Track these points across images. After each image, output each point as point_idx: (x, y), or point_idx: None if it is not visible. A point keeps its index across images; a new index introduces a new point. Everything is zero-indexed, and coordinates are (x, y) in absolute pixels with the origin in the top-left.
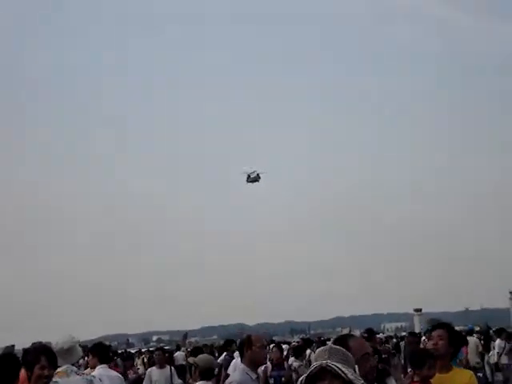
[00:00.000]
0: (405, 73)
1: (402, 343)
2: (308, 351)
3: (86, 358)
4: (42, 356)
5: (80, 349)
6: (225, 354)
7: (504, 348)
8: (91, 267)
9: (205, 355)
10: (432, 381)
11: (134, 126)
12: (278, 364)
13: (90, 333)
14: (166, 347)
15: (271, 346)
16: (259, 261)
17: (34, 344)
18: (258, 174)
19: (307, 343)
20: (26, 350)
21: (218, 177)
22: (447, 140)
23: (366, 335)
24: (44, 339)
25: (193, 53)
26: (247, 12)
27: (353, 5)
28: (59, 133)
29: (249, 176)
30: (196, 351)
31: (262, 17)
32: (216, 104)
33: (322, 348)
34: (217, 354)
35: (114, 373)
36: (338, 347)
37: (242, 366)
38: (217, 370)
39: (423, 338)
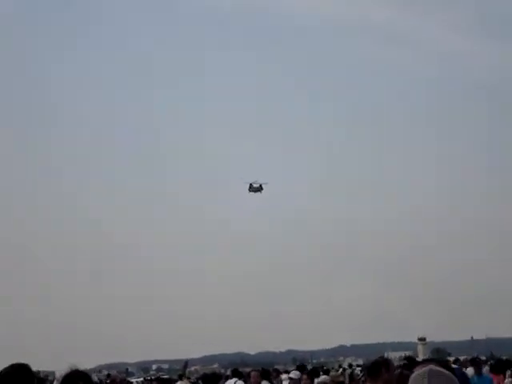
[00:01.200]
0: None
1: None
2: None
3: None
4: (80, 382)
5: None
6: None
7: None
8: (89, 293)
9: None
10: None
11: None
12: None
13: (89, 361)
14: (165, 376)
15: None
16: (259, 289)
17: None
18: (260, 185)
19: (313, 374)
20: (65, 376)
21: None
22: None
23: (406, 362)
24: (41, 367)
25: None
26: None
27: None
28: None
29: (251, 185)
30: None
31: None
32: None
33: (418, 372)
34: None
35: None
36: (439, 369)
37: None
38: None
39: None
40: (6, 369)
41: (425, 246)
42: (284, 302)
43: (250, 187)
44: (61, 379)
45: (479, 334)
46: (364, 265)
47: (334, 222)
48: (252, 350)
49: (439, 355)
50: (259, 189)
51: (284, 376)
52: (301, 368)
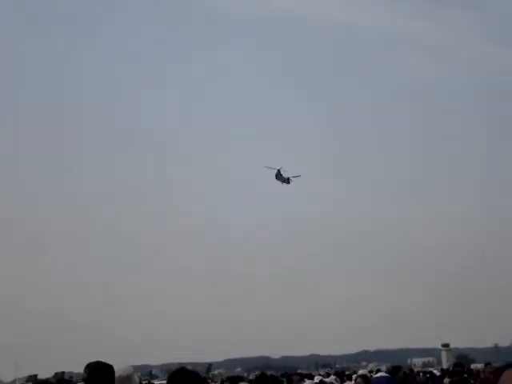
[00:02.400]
0: None
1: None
2: None
3: None
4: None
5: (137, 378)
6: None
7: None
8: (113, 296)
9: None
10: None
11: None
12: None
13: (113, 364)
14: None
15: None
16: (283, 294)
17: (56, 374)
18: (288, 178)
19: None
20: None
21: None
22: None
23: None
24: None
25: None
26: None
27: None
28: None
29: (279, 172)
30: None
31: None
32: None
33: None
34: None
35: None
36: None
37: None
38: None
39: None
40: (93, 365)
41: (450, 250)
42: (306, 306)
43: (277, 175)
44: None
45: (503, 341)
46: (389, 269)
47: (348, 222)
48: (275, 353)
49: (463, 361)
50: (287, 180)
51: (309, 382)
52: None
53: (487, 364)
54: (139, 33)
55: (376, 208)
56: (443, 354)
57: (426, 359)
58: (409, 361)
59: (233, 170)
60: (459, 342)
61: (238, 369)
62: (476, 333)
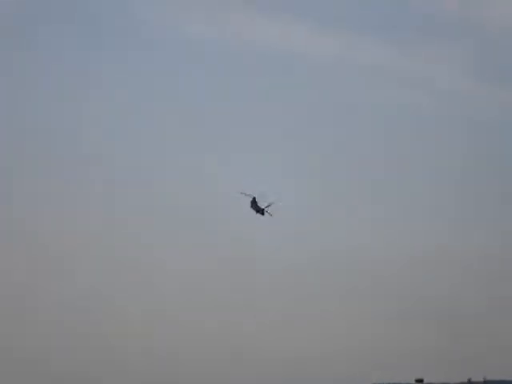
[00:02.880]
0: None
1: None
2: None
3: None
4: None
5: None
6: None
7: None
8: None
9: None
10: None
11: None
12: None
13: None
14: None
15: None
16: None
17: None
18: (263, 209)
19: None
20: None
21: None
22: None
23: None
24: None
25: None
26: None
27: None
28: None
29: (254, 200)
30: None
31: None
32: None
33: None
34: None
35: None
36: None
37: None
38: None
39: None
40: None
41: (422, 282)
42: (274, 341)
43: (252, 203)
44: None
45: (477, 376)
46: (354, 303)
47: (323, 248)
48: None
49: None
50: (261, 211)
51: None
52: None
53: None
54: None
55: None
56: None
57: None
58: None
59: None
60: (433, 377)
61: None
62: (450, 367)
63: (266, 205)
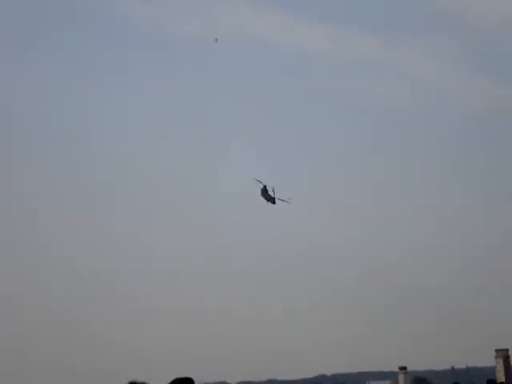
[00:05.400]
0: None
1: None
2: None
3: None
4: None
5: None
6: None
7: None
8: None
9: None
10: None
11: None
12: None
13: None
14: None
15: None
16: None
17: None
18: (274, 198)
19: None
20: None
21: None
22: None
23: None
24: None
25: None
26: None
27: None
28: None
29: (265, 189)
30: None
31: None
32: None
33: None
34: None
35: None
36: None
37: None
38: None
39: None
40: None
41: (405, 274)
42: (264, 331)
43: (263, 190)
44: None
45: (459, 364)
46: (342, 293)
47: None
48: (234, 379)
49: None
50: (272, 200)
51: None
52: None
53: None
54: None
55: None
56: (400, 377)
57: (383, 382)
58: None
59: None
60: (417, 365)
61: None
62: (433, 355)
63: (283, 198)
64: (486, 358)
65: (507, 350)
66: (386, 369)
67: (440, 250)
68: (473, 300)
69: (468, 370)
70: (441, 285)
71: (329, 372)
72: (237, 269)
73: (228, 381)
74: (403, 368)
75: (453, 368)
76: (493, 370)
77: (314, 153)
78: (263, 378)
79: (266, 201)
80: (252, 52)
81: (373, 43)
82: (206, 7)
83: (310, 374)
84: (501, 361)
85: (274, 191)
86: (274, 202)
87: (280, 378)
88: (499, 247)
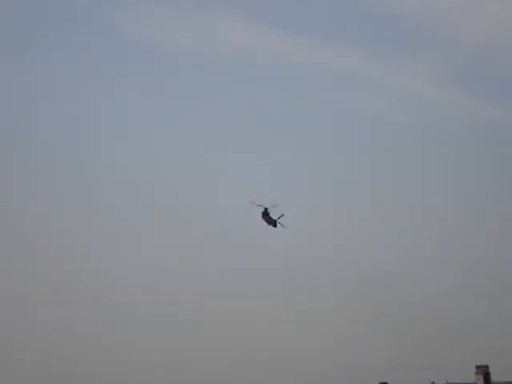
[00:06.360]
0: None
1: None
2: None
3: None
4: None
5: None
6: None
7: None
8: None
9: None
10: None
11: None
12: None
13: None
14: None
15: None
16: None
17: None
18: (275, 221)
19: None
20: None
21: None
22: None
23: None
24: None
25: None
26: None
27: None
28: None
29: (266, 211)
30: None
31: None
32: None
33: None
34: None
35: None
36: None
37: None
38: None
39: None
40: None
41: (385, 284)
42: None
43: (264, 213)
44: None
45: (440, 379)
46: (322, 306)
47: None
48: None
49: None
50: (273, 223)
51: None
52: None
53: None
54: None
55: None
56: None
57: None
58: None
59: None
60: (397, 381)
61: None
62: (414, 371)
63: (278, 216)
64: (466, 375)
65: (487, 366)
66: None
67: (429, 263)
68: (455, 315)
69: None
70: (422, 299)
71: None
72: (231, 269)
73: None
74: (383, 383)
75: (433, 383)
76: None
77: (314, 153)
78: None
79: (267, 224)
80: (248, 63)
81: (358, 58)
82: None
83: None
84: (481, 377)
85: (278, 216)
86: (275, 226)
87: None
88: (486, 259)
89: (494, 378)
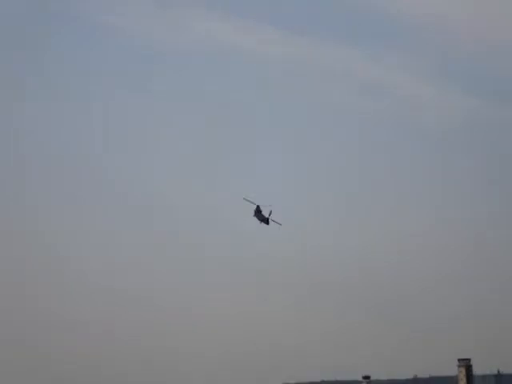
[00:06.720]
0: None
1: None
2: None
3: None
4: None
5: None
6: None
7: None
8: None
9: None
10: None
11: None
12: None
13: None
14: None
15: None
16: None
17: None
18: (267, 218)
19: None
20: None
21: None
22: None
23: None
24: None
25: None
26: None
27: None
28: None
29: (258, 209)
30: None
31: None
32: None
33: None
34: None
35: None
36: None
37: None
38: None
39: None
40: None
41: (370, 281)
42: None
43: (256, 211)
44: None
45: (423, 373)
46: (305, 300)
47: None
48: None
49: None
50: (265, 220)
51: None
52: None
53: None
54: None
55: None
56: None
57: None
58: None
59: None
60: (380, 374)
61: None
62: (396, 365)
63: (268, 213)
64: (448, 368)
65: (469, 359)
66: (350, 378)
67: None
68: (436, 309)
69: (431, 380)
70: (407, 295)
71: (291, 380)
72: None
73: None
74: (367, 377)
75: (415, 377)
76: (455, 379)
77: (314, 153)
78: None
79: (259, 221)
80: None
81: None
82: None
83: (272, 383)
84: (463, 370)
85: (269, 213)
86: (267, 223)
87: None
88: (470, 256)
89: (475, 370)
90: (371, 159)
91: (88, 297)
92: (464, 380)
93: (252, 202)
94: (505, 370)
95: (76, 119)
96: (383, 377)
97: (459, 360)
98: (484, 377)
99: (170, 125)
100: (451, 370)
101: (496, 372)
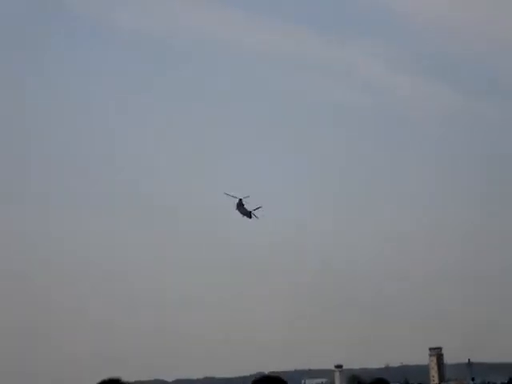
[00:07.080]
0: None
1: None
2: None
3: None
4: None
5: None
6: None
7: None
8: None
9: None
10: None
11: None
12: None
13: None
14: None
15: None
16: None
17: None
18: (251, 212)
19: None
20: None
21: None
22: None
23: None
24: None
25: None
26: None
27: None
28: None
29: (241, 203)
30: None
31: None
32: None
33: None
34: None
35: None
36: None
37: None
38: None
39: None
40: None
41: (341, 271)
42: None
43: (238, 205)
44: None
45: (394, 362)
46: (280, 290)
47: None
48: (169, 376)
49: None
50: (248, 214)
51: None
52: None
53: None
54: None
55: None
56: (336, 375)
57: (319, 380)
58: (302, 382)
59: None
60: (352, 363)
61: None
62: (368, 354)
63: (254, 208)
64: (420, 357)
65: (440, 348)
66: (322, 367)
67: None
68: (408, 297)
69: (402, 368)
70: (379, 284)
71: (265, 369)
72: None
73: (165, 378)
74: (339, 366)
75: (387, 366)
76: (427, 367)
77: (314, 153)
78: (200, 376)
79: (241, 215)
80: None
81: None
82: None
83: (246, 372)
84: (434, 359)
85: (254, 208)
86: (249, 217)
87: (218, 375)
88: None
89: (446, 359)
90: (371, 159)
91: (88, 297)
92: (435, 368)
93: (233, 196)
94: (475, 359)
95: (76, 119)
96: (355, 366)
97: (430, 349)
98: (455, 366)
99: (170, 125)
100: (423, 358)
101: (467, 361)
